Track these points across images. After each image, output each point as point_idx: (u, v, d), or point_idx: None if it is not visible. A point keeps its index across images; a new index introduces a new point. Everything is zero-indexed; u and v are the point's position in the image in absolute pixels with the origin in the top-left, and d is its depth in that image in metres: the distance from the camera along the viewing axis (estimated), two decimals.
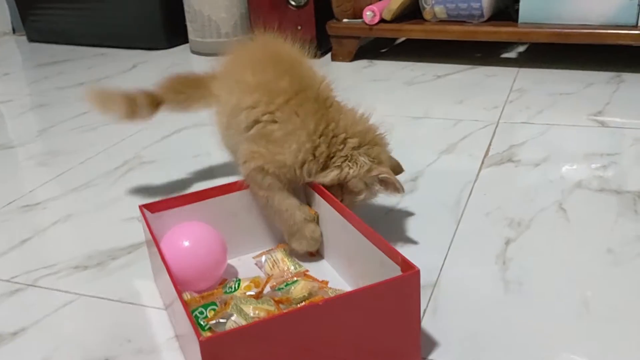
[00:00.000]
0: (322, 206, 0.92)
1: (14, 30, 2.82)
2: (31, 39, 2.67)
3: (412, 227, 1.02)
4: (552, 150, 1.28)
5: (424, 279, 0.87)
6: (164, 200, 0.91)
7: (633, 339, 0.75)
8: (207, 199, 0.93)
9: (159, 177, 1.28)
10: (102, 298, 0.89)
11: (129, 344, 0.79)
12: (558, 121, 1.43)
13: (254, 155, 0.91)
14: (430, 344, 0.76)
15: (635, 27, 1.65)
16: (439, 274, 0.89)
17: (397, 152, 1.34)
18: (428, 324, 0.79)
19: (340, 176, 0.91)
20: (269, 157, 0.90)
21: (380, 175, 0.92)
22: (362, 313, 0.70)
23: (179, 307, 0.71)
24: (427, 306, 0.83)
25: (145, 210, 0.89)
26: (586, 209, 1.05)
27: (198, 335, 0.64)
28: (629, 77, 1.69)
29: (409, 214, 1.07)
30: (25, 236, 1.07)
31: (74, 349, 0.79)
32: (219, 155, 1.20)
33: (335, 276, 0.91)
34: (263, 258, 0.94)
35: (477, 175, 1.19)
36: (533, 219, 1.02)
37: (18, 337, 0.82)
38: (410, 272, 0.71)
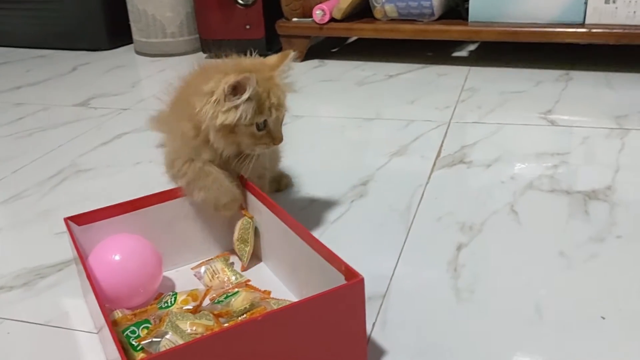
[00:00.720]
0: (263, 213, 0.88)
1: None
2: None
3: (361, 234, 0.98)
4: (504, 150, 1.26)
5: (372, 290, 0.83)
6: (92, 212, 0.85)
7: (585, 344, 0.72)
8: (140, 208, 0.87)
9: (95, 186, 1.20)
10: (28, 322, 0.82)
11: None
12: (509, 120, 1.41)
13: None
14: (380, 359, 0.72)
15: (582, 25, 1.66)
16: (389, 284, 0.86)
17: (347, 155, 1.31)
18: (377, 338, 0.75)
19: (204, 120, 0.82)
20: (169, 147, 0.89)
21: (224, 85, 0.80)
22: (304, 325, 0.65)
23: (105, 328, 0.65)
24: (376, 319, 0.79)
25: (71, 223, 0.82)
26: (537, 210, 1.03)
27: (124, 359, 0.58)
28: (576, 74, 1.70)
29: (358, 220, 1.03)
30: None
31: None
32: (161, 163, 1.14)
33: (278, 285, 0.87)
34: (202, 269, 0.89)
35: (429, 177, 1.16)
36: (485, 223, 0.99)
37: None
38: (354, 280, 0.67)
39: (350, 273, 0.68)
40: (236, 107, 0.81)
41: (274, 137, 0.87)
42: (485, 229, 0.98)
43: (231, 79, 0.80)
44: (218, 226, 0.93)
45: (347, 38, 2.22)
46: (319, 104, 1.63)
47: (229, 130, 0.83)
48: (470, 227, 0.98)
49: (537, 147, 1.27)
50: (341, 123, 1.49)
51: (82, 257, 0.76)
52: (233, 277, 0.86)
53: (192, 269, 0.90)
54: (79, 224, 0.83)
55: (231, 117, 0.82)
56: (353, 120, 1.49)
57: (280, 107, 0.86)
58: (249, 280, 0.86)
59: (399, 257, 0.92)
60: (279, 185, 1.13)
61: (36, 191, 1.20)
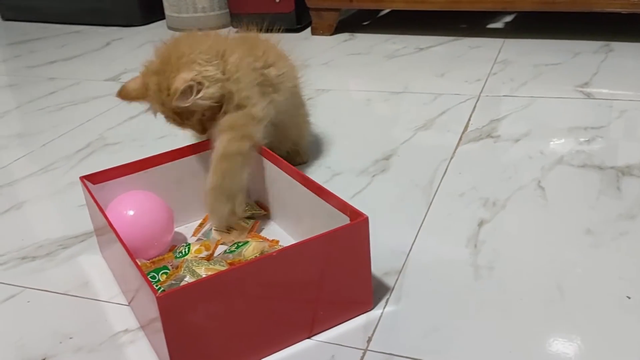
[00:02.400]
0: (267, 168, 0.90)
1: None
2: (6, 18, 2.59)
3: (380, 209, 0.96)
4: (535, 125, 1.21)
5: (389, 266, 0.82)
6: (105, 171, 0.88)
7: (607, 326, 0.70)
8: (150, 167, 0.90)
9: (121, 159, 1.20)
10: (48, 291, 0.84)
11: (70, 341, 0.74)
12: (542, 93, 1.36)
13: None
14: (391, 336, 0.71)
15: None
16: (406, 259, 0.84)
17: (371, 129, 1.28)
18: (390, 314, 0.74)
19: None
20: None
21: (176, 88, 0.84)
22: (314, 261, 0.69)
23: (130, 268, 0.68)
24: (390, 295, 0.77)
25: (86, 182, 0.85)
26: (566, 186, 0.99)
27: (154, 291, 0.61)
28: (618, 45, 1.62)
29: (379, 195, 1.01)
30: None
31: (11, 348, 0.74)
32: (185, 137, 1.14)
33: (284, 236, 0.90)
34: (207, 226, 0.91)
35: (454, 152, 1.13)
36: (509, 199, 0.96)
37: None
38: (358, 219, 0.70)
39: (355, 214, 0.71)
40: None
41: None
42: (509, 205, 0.94)
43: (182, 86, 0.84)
44: None
45: (379, 11, 2.17)
46: (347, 78, 1.61)
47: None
48: (493, 203, 0.95)
49: (570, 121, 1.22)
50: (368, 97, 1.46)
51: (100, 207, 0.79)
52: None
53: (193, 235, 0.92)
54: (93, 183, 0.86)
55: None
56: (380, 94, 1.46)
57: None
58: (258, 222, 0.92)
59: (418, 232, 0.90)
60: (293, 160, 1.11)
61: (64, 164, 1.22)
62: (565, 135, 1.16)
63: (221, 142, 0.86)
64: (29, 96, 1.64)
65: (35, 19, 2.49)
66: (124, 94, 0.90)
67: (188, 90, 0.84)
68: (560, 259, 0.82)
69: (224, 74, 0.88)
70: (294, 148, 1.09)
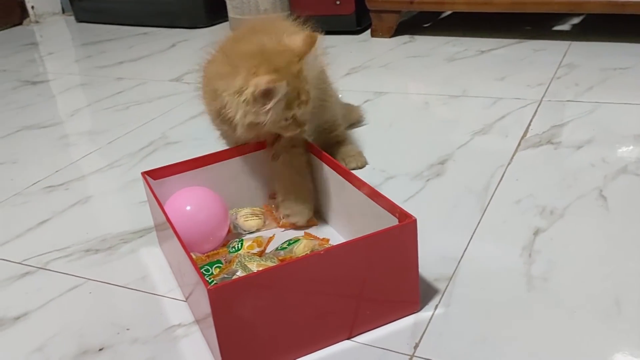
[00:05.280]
0: (320, 168, 0.92)
1: (63, 11, 2.87)
2: (79, 19, 2.71)
3: (433, 215, 0.96)
4: (598, 131, 1.17)
5: (439, 272, 0.82)
6: (166, 167, 0.92)
7: None
8: (208, 164, 0.93)
9: (181, 158, 1.24)
10: (109, 283, 0.88)
11: (127, 332, 0.77)
12: (608, 99, 1.31)
13: None
14: (438, 343, 0.70)
15: None
16: (457, 266, 0.83)
17: (428, 132, 1.27)
18: (438, 321, 0.73)
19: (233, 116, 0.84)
20: None
21: (255, 89, 0.80)
22: (361, 261, 0.70)
23: (186, 262, 0.71)
24: (439, 301, 0.77)
25: (148, 177, 0.89)
26: (629, 196, 0.95)
27: (206, 284, 0.64)
28: None
29: (432, 200, 1.00)
30: (43, 218, 1.07)
31: (72, 336, 0.77)
32: None
33: (335, 235, 0.91)
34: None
35: (512, 158, 1.10)
36: (568, 207, 0.93)
37: (19, 322, 0.81)
38: (407, 221, 0.71)
39: (403, 215, 0.72)
40: (266, 111, 0.82)
41: (300, 124, 0.88)
42: (567, 214, 0.92)
43: (262, 83, 0.79)
44: None
45: (440, 13, 2.15)
46: (405, 81, 1.60)
47: (256, 124, 0.84)
48: (551, 212, 0.93)
49: (637, 128, 1.17)
50: (426, 100, 1.45)
51: (159, 202, 0.82)
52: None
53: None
54: (154, 178, 0.90)
55: (262, 119, 0.83)
56: (438, 97, 1.44)
57: (308, 102, 0.86)
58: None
59: (470, 239, 0.88)
60: (349, 120, 1.12)
61: (127, 161, 1.27)
62: (630, 143, 1.12)
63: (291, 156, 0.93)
64: (98, 95, 1.72)
65: (106, 20, 2.60)
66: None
67: (269, 93, 0.80)
68: (619, 272, 0.79)
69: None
70: (331, 133, 1.10)
